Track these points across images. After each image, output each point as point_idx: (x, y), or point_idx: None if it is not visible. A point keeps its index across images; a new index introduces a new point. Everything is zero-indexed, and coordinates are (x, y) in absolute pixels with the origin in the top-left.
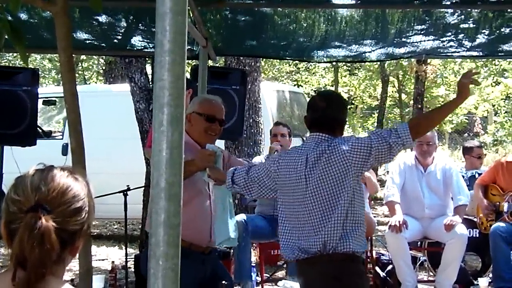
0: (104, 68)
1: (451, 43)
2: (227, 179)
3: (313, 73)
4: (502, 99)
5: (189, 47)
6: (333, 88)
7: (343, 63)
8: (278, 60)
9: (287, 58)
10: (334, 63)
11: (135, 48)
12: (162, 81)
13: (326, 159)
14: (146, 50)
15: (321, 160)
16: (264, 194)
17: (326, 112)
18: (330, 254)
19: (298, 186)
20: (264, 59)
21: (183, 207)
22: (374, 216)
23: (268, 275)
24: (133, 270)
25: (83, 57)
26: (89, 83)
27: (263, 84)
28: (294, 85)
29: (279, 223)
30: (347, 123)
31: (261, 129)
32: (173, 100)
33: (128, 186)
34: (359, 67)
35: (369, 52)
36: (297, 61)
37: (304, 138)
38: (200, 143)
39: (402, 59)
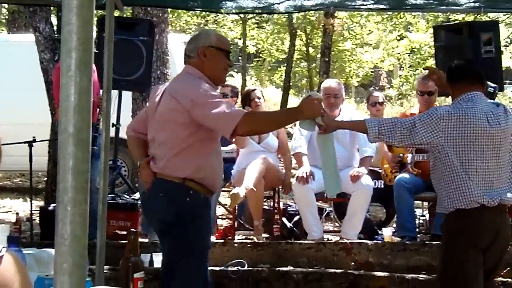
0: (7, 17)
1: None
2: (373, 129)
3: (222, 26)
4: (407, 53)
5: None
6: (241, 41)
7: (252, 16)
8: (186, 12)
9: (195, 8)
10: (242, 15)
11: None
12: (70, 25)
13: None
14: None
15: None
16: None
17: None
18: None
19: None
20: (171, 10)
21: (210, 159)
22: (281, 168)
23: None
24: (38, 222)
25: None
26: None
27: (171, 36)
28: None
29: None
30: (255, 76)
31: (169, 81)
32: (81, 45)
33: (34, 137)
34: (267, 21)
35: (277, 3)
36: (205, 13)
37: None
38: (214, 81)
39: (310, 12)
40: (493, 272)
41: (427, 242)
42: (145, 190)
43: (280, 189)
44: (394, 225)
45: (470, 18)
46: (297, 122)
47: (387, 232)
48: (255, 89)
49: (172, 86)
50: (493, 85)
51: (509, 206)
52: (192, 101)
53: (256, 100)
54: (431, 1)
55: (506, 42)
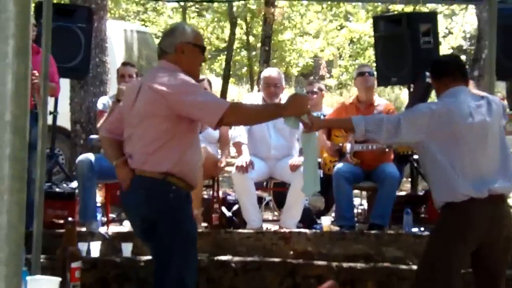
0: None
1: None
2: (359, 127)
3: (161, 14)
4: (346, 43)
5: None
6: None
7: (191, 4)
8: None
9: None
10: (182, 3)
11: None
12: (7, 12)
13: None
14: None
15: None
16: None
17: None
18: None
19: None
20: None
21: (189, 152)
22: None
23: (114, 216)
24: None
25: None
26: None
27: (110, 23)
28: (142, 26)
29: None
30: None
31: (108, 68)
32: (18, 31)
33: None
34: (207, 9)
35: None
36: (145, 1)
37: None
38: (191, 76)
39: (250, 1)
40: (499, 268)
41: (365, 231)
42: (124, 189)
43: (220, 178)
44: (333, 214)
45: (409, 9)
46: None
47: (325, 221)
48: (203, 79)
49: (150, 79)
50: None
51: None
52: (174, 91)
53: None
54: None
55: (444, 33)
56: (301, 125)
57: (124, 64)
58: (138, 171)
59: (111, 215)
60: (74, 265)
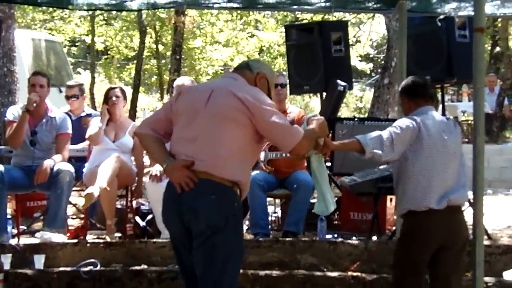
0: None
1: None
2: (368, 147)
3: (68, 22)
4: (256, 51)
5: None
6: (88, 38)
7: (100, 13)
8: (31, 8)
9: (45, 4)
10: (91, 12)
11: None
12: None
13: None
14: None
15: None
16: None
17: None
18: None
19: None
20: (18, 6)
21: (251, 164)
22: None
23: (25, 227)
24: None
25: None
26: None
27: (17, 32)
28: (49, 34)
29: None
30: (103, 73)
31: (16, 78)
32: None
33: None
34: (116, 17)
35: (130, 1)
36: (52, 9)
37: (62, 89)
38: None
39: (160, 10)
40: (454, 273)
41: (280, 238)
42: (186, 189)
43: (133, 189)
44: (247, 222)
45: (318, 18)
46: None
47: None
48: (115, 88)
49: (233, 86)
50: (343, 83)
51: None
52: (260, 107)
53: (113, 98)
54: (284, 0)
55: (352, 41)
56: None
57: (35, 73)
58: (204, 175)
59: (22, 227)
60: None
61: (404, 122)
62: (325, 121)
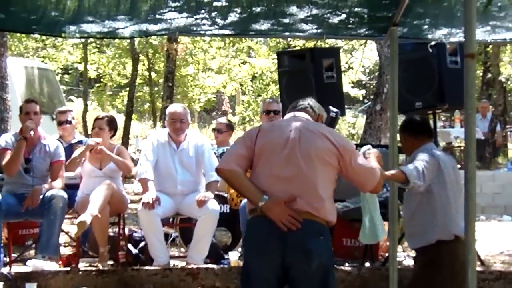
0: None
1: (204, 21)
2: (413, 179)
3: (61, 50)
4: (249, 78)
5: None
6: (81, 66)
7: (92, 40)
8: (24, 36)
9: (37, 32)
10: (84, 39)
11: None
12: None
13: None
14: None
15: None
16: None
17: None
18: None
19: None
20: (11, 34)
21: None
22: (128, 193)
23: (16, 255)
24: None
25: None
26: None
27: (10, 60)
28: (42, 62)
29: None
30: (96, 101)
31: (9, 106)
32: None
33: None
34: (108, 45)
35: (122, 28)
36: (45, 37)
37: (54, 116)
38: None
39: (152, 37)
40: None
41: None
42: (292, 229)
43: (125, 215)
44: (240, 249)
45: (310, 44)
46: None
47: (233, 256)
48: (103, 117)
49: (319, 128)
50: (335, 110)
51: None
52: (350, 152)
53: (96, 129)
54: (276, 27)
55: (344, 67)
56: None
57: (28, 101)
58: (307, 215)
59: (14, 255)
60: None
61: (426, 156)
62: (381, 154)
